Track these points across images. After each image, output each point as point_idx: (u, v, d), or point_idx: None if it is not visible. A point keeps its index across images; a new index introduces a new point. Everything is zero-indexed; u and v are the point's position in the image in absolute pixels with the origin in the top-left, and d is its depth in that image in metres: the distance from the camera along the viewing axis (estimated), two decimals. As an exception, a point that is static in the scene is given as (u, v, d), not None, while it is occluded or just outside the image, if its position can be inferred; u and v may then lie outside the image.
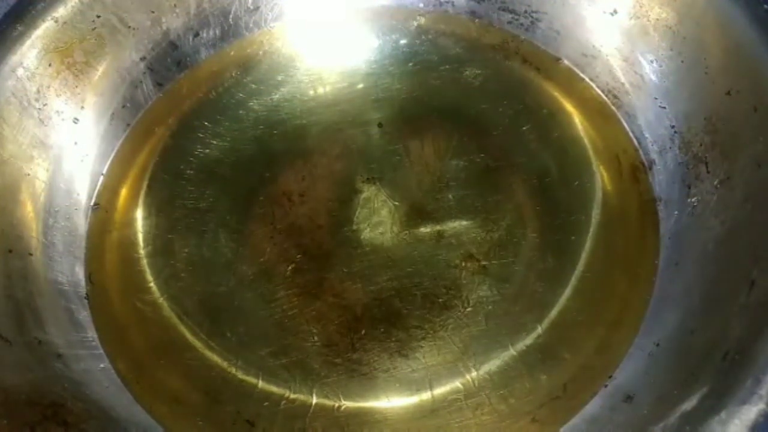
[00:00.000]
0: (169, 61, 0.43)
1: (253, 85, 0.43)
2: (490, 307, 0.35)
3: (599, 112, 0.41)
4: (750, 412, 0.26)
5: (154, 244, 0.38)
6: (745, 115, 0.33)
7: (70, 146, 0.39)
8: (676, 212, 0.36)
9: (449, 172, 0.39)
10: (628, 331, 0.34)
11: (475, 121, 0.41)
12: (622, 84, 0.40)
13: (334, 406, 0.34)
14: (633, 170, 0.39)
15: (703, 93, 0.36)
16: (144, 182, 0.40)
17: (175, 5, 0.42)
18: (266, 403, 0.34)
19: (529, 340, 0.34)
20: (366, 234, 0.38)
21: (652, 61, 0.39)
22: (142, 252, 0.38)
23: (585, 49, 0.41)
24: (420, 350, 0.35)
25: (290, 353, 0.35)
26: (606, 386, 0.33)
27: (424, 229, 0.38)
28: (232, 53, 0.44)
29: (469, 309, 0.35)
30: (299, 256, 0.37)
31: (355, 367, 0.34)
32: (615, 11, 0.40)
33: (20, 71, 0.37)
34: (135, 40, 0.41)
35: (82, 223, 0.39)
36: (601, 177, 0.39)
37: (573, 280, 0.36)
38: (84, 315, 0.36)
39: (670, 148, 0.38)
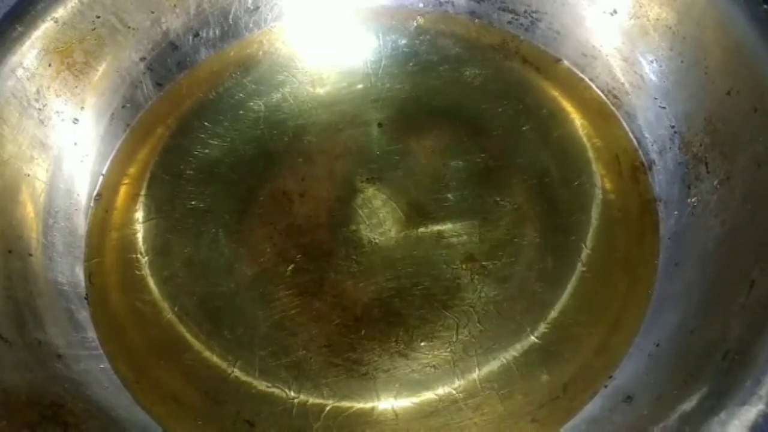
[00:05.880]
0: (169, 61, 0.43)
1: (253, 85, 0.43)
2: (490, 307, 0.35)
3: (599, 112, 0.41)
4: (750, 413, 0.26)
5: (153, 245, 0.38)
6: (745, 115, 0.33)
7: (70, 146, 0.39)
8: (676, 212, 0.36)
9: (449, 172, 0.39)
10: (628, 331, 0.34)
11: (475, 121, 0.41)
12: (622, 84, 0.40)
13: (333, 406, 0.34)
14: (633, 170, 0.39)
15: (703, 93, 0.36)
16: (144, 182, 0.40)
17: (175, 5, 0.42)
18: (266, 404, 0.34)
19: (528, 340, 0.34)
20: (366, 234, 0.38)
21: (652, 61, 0.39)
22: (141, 252, 0.38)
23: (585, 49, 0.41)
24: (420, 350, 0.34)
25: (290, 353, 0.35)
26: (606, 386, 0.33)
27: (424, 229, 0.38)
28: (232, 53, 0.44)
29: (469, 309, 0.35)
30: (299, 256, 0.37)
31: (355, 367, 0.34)
32: (615, 11, 0.40)
33: (20, 71, 0.37)
34: (135, 40, 0.41)
35: (82, 224, 0.39)
36: (601, 177, 0.39)
37: (573, 280, 0.36)
38: (84, 315, 0.36)
39: (670, 148, 0.38)
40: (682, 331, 0.32)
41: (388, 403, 0.34)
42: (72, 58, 0.39)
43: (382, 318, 0.35)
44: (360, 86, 0.43)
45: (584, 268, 0.36)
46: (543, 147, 0.40)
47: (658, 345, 0.32)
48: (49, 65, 0.38)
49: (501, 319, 0.35)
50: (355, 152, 0.40)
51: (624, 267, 0.36)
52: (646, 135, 0.39)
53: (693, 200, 0.35)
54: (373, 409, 0.33)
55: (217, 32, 0.44)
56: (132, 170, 0.41)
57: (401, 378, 0.34)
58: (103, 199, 0.40)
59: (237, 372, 0.35)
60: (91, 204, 0.40)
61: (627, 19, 0.40)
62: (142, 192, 0.40)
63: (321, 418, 0.33)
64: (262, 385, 0.34)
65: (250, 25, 0.44)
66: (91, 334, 0.36)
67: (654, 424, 0.28)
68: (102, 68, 0.40)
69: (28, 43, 0.37)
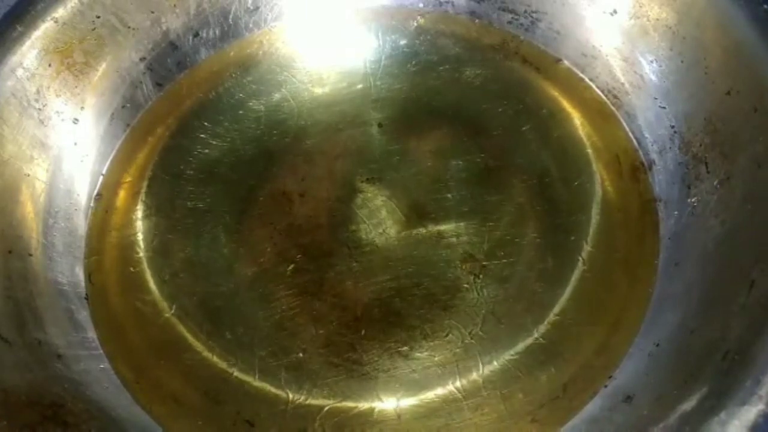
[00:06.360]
0: (169, 61, 0.43)
1: (253, 85, 0.43)
2: (490, 307, 0.35)
3: (599, 112, 0.41)
4: (749, 413, 0.26)
5: (153, 245, 0.38)
6: (745, 115, 0.33)
7: (70, 147, 0.39)
8: (676, 212, 0.36)
9: (449, 172, 0.39)
10: (628, 331, 0.34)
11: (475, 121, 0.41)
12: (622, 84, 0.40)
13: (333, 406, 0.34)
14: (633, 170, 0.39)
15: (703, 93, 0.36)
16: (144, 182, 0.40)
17: (175, 5, 0.42)
18: (266, 404, 0.34)
19: (529, 341, 0.34)
20: (366, 234, 0.38)
21: (652, 61, 0.39)
22: (141, 252, 0.38)
23: (585, 49, 0.41)
24: (420, 350, 0.34)
25: (290, 353, 0.35)
26: (606, 386, 0.33)
27: (424, 229, 0.38)
28: (232, 53, 0.44)
29: (469, 309, 0.35)
30: (299, 256, 0.37)
31: (355, 367, 0.34)
32: (615, 11, 0.40)
33: (20, 72, 0.37)
34: (135, 40, 0.41)
35: (82, 224, 0.39)
36: (601, 177, 0.39)
37: (573, 280, 0.36)
38: (84, 315, 0.36)
39: (670, 148, 0.38)
40: (682, 331, 0.32)
41: (388, 404, 0.34)
42: (72, 58, 0.39)
43: (382, 318, 0.35)
44: (360, 86, 0.43)
45: (584, 268, 0.36)
46: (543, 147, 0.40)
47: (658, 345, 0.32)
48: (49, 65, 0.38)
49: (501, 319, 0.35)
50: (355, 152, 0.40)
51: (624, 267, 0.36)
52: (646, 135, 0.39)
53: (693, 200, 0.35)
54: (373, 409, 0.33)
55: (217, 32, 0.44)
56: (132, 170, 0.41)
57: (401, 378, 0.34)
58: (103, 199, 0.40)
59: (237, 372, 0.35)
60: (91, 204, 0.40)
61: (627, 19, 0.40)
62: (142, 192, 0.40)
63: (321, 419, 0.33)
64: (262, 385, 0.34)
65: (250, 25, 0.44)
66: (91, 334, 0.36)
67: (654, 424, 0.28)
68: (102, 68, 0.40)
69: (28, 43, 0.37)
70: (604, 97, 0.41)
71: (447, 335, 0.35)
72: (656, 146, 0.38)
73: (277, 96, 0.43)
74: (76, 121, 0.39)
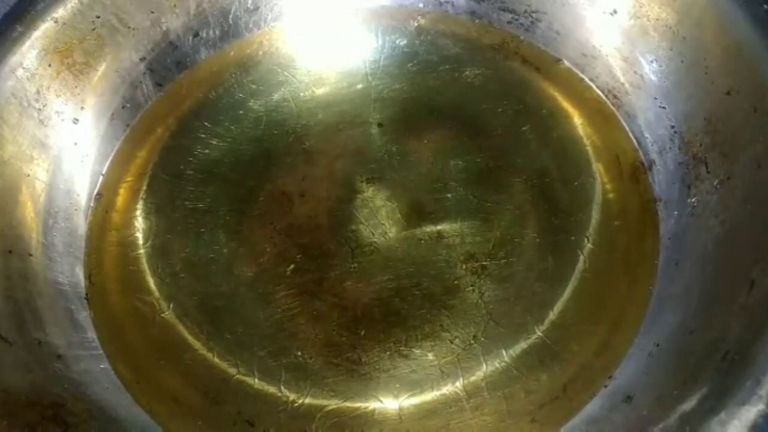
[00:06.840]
0: (168, 61, 0.43)
1: (253, 85, 0.43)
2: (490, 307, 0.35)
3: (599, 112, 0.41)
4: (749, 413, 0.26)
5: (153, 245, 0.38)
6: (745, 115, 0.33)
7: (70, 147, 0.39)
8: (676, 212, 0.36)
9: (449, 172, 0.39)
10: (628, 331, 0.34)
11: (475, 121, 0.41)
12: (622, 84, 0.40)
13: (333, 406, 0.34)
14: (633, 170, 0.39)
15: (703, 93, 0.36)
16: (144, 182, 0.40)
17: (175, 5, 0.42)
18: (266, 404, 0.34)
19: (529, 341, 0.34)
20: (366, 234, 0.38)
21: (652, 61, 0.39)
22: (141, 252, 0.38)
23: (585, 49, 0.41)
24: (420, 350, 0.35)
25: (290, 353, 0.35)
26: (606, 387, 0.33)
27: (424, 229, 0.38)
28: (231, 53, 0.44)
29: (469, 309, 0.35)
30: (299, 256, 0.37)
31: (355, 367, 0.34)
32: (615, 11, 0.40)
33: (20, 72, 0.37)
34: (135, 40, 0.41)
35: (81, 224, 0.39)
36: (601, 177, 0.39)
37: (573, 280, 0.36)
38: (84, 315, 0.36)
39: (670, 148, 0.38)
40: (682, 331, 0.32)
41: (388, 404, 0.34)
42: (72, 58, 0.39)
43: (382, 318, 0.35)
44: (360, 86, 0.43)
45: (584, 268, 0.36)
46: (543, 147, 0.40)
47: (658, 345, 0.32)
48: (49, 65, 0.38)
49: (501, 319, 0.35)
50: (355, 152, 0.40)
51: (624, 267, 0.36)
52: (646, 135, 0.39)
53: (693, 200, 0.35)
54: (373, 409, 0.33)
55: (217, 32, 0.44)
56: (132, 170, 0.41)
57: (401, 378, 0.34)
58: (103, 199, 0.40)
59: (237, 372, 0.35)
60: (91, 204, 0.40)
61: (627, 19, 0.40)
62: (142, 192, 0.40)
63: (321, 419, 0.33)
64: (262, 386, 0.34)
65: (250, 25, 0.44)
66: (91, 334, 0.36)
67: (654, 424, 0.28)
68: (102, 68, 0.40)
69: (28, 43, 0.37)
70: (604, 97, 0.41)
71: (447, 335, 0.35)
72: (656, 146, 0.38)
73: (277, 96, 0.43)
74: (76, 121, 0.39)
